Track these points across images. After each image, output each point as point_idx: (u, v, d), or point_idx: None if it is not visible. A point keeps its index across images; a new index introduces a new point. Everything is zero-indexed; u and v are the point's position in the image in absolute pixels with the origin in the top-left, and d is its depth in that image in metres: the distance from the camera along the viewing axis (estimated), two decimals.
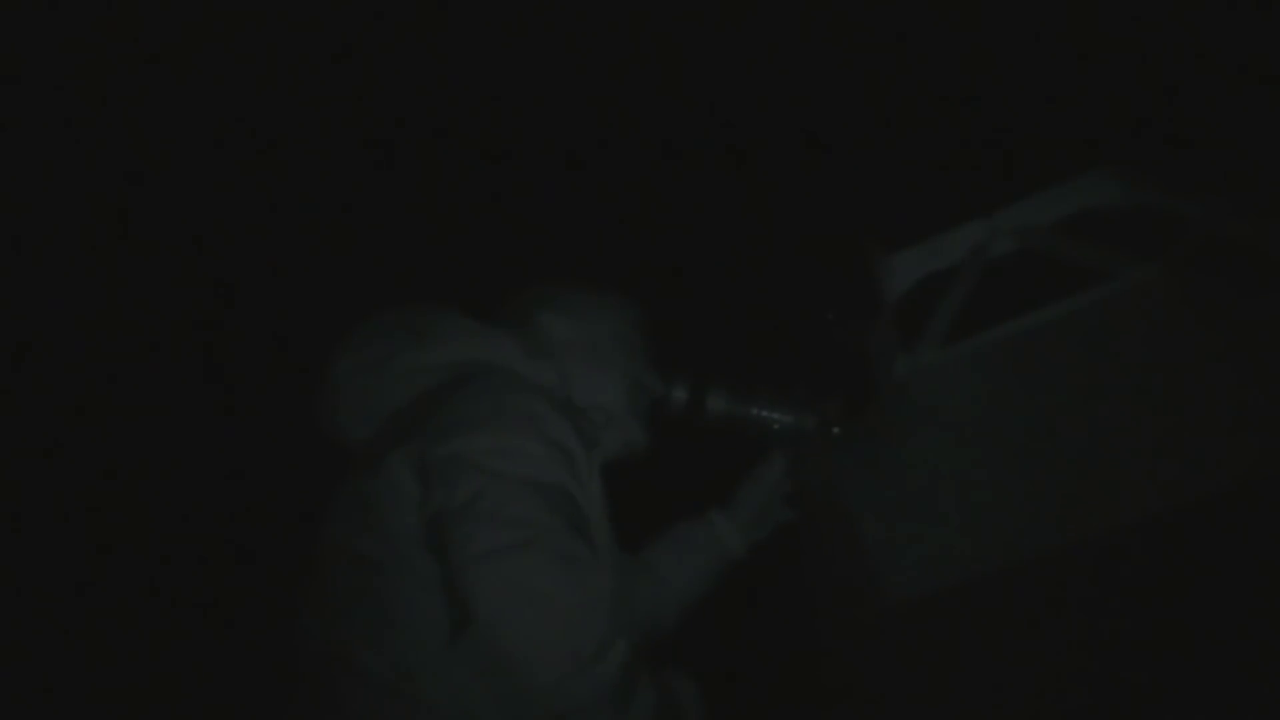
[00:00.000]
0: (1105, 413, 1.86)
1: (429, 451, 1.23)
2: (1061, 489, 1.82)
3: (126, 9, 2.91)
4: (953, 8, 2.92)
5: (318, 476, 1.43)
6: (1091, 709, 1.76)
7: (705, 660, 1.37)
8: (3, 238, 2.93)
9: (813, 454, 1.70)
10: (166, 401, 2.95)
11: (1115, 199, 2.09)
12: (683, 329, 1.77)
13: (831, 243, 2.53)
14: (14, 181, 2.92)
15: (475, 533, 1.16)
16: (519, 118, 3.16)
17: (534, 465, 1.23)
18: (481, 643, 1.14)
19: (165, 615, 2.72)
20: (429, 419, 1.27)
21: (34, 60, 2.92)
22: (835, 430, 1.71)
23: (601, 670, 1.15)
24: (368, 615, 1.23)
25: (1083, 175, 2.13)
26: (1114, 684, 1.74)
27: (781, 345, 2.34)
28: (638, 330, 1.55)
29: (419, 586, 1.21)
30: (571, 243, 2.90)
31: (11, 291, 2.92)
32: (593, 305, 1.52)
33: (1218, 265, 1.98)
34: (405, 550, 1.22)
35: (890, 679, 1.94)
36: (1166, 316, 1.95)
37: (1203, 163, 2.20)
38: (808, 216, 2.96)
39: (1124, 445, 1.82)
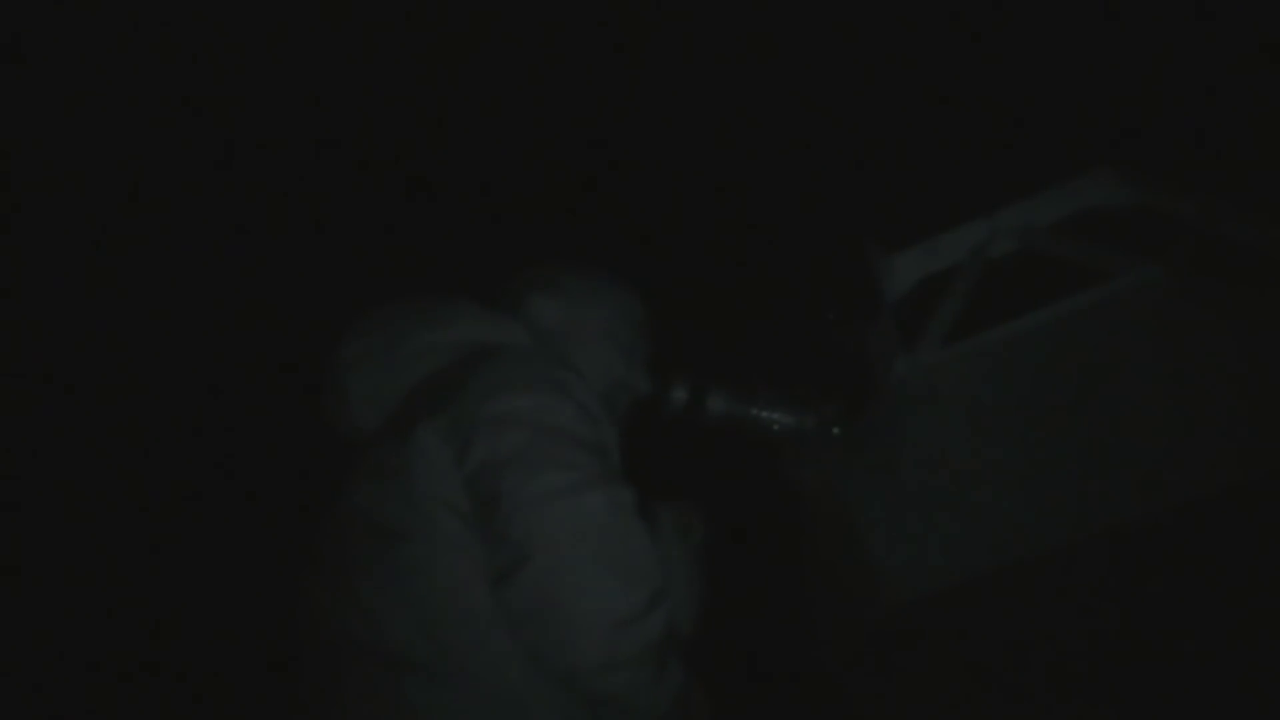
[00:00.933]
0: (1105, 413, 1.86)
1: (464, 414, 1.22)
2: (1062, 489, 1.82)
3: (124, 7, 2.91)
4: (953, 7, 2.92)
5: (319, 476, 1.42)
6: (1093, 709, 1.76)
7: (705, 660, 1.37)
8: (3, 236, 2.93)
9: (813, 454, 1.69)
10: (166, 402, 2.95)
11: (1115, 199, 2.09)
12: (683, 329, 1.77)
13: (832, 243, 2.53)
14: (13, 180, 2.92)
15: (529, 477, 1.15)
16: (520, 118, 3.16)
17: (575, 421, 1.23)
18: (527, 591, 1.12)
19: (165, 617, 2.73)
20: (457, 389, 1.26)
21: (32, 59, 2.92)
22: (835, 430, 1.71)
23: (649, 624, 1.14)
24: (391, 585, 1.20)
25: (1083, 175, 2.13)
26: (1115, 683, 1.74)
27: (781, 345, 2.35)
28: (631, 327, 1.54)
29: (448, 550, 1.19)
30: (572, 244, 2.89)
31: (13, 291, 2.92)
32: (586, 293, 1.51)
33: (1218, 265, 1.98)
34: (434, 516, 1.20)
35: (890, 679, 1.94)
36: (1166, 316, 1.95)
37: (1203, 163, 2.20)
38: (808, 217, 2.96)
39: (1124, 445, 1.82)
